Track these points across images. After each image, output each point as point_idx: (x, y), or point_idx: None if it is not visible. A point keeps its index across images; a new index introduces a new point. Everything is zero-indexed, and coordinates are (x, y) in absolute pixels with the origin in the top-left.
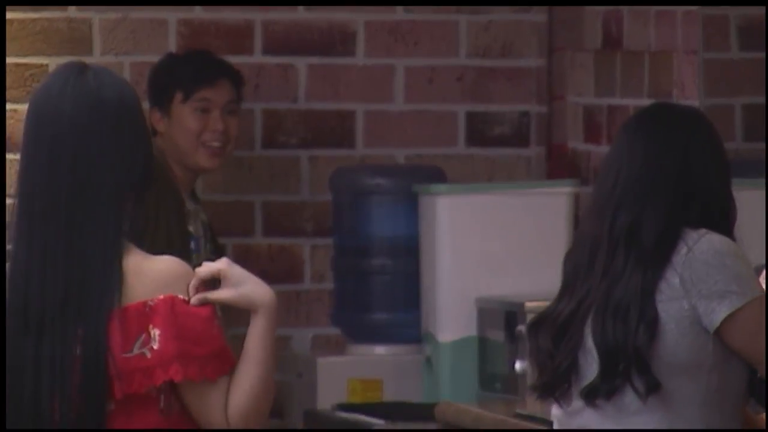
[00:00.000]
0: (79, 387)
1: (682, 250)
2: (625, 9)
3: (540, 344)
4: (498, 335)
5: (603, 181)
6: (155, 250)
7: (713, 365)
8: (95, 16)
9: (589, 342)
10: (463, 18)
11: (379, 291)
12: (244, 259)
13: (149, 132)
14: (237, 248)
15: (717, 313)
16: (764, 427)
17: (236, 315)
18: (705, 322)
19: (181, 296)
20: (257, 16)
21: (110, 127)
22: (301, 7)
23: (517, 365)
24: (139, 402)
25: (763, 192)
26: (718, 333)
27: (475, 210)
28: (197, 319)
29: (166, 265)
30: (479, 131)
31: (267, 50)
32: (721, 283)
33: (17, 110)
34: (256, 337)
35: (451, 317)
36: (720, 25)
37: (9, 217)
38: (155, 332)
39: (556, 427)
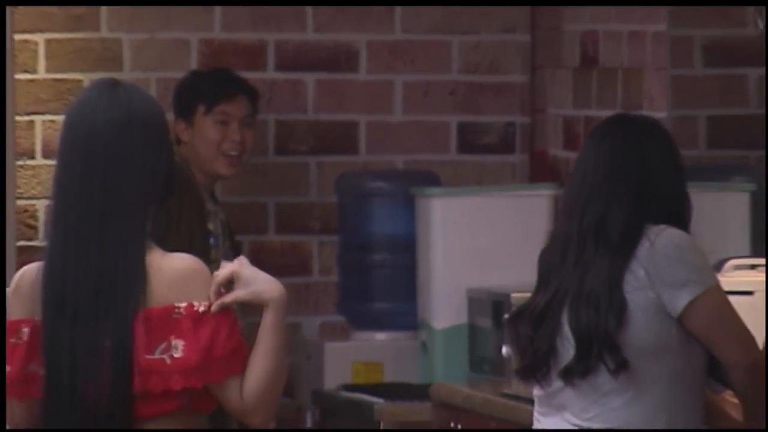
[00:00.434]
0: (109, 374)
1: (645, 244)
2: (600, 30)
3: (520, 333)
4: (486, 323)
5: (572, 183)
6: (178, 245)
7: (677, 348)
8: (125, 36)
9: (566, 328)
10: (455, 38)
11: (379, 283)
12: (258, 254)
13: (172, 143)
14: (252, 245)
15: (679, 301)
16: (723, 404)
17: (251, 306)
18: (669, 309)
19: (198, 304)
20: (270, 36)
21: (138, 137)
22: (309, 29)
23: (504, 350)
24: (157, 396)
25: (746, 194)
26: (681, 319)
27: (465, 210)
28: (219, 327)
29: (181, 262)
30: (469, 140)
31: (279, 67)
32: (681, 274)
33: (55, 121)
34: (268, 329)
35: (444, 306)
36: (685, 45)
37: (45, 216)
38: (178, 342)
39: (536, 405)
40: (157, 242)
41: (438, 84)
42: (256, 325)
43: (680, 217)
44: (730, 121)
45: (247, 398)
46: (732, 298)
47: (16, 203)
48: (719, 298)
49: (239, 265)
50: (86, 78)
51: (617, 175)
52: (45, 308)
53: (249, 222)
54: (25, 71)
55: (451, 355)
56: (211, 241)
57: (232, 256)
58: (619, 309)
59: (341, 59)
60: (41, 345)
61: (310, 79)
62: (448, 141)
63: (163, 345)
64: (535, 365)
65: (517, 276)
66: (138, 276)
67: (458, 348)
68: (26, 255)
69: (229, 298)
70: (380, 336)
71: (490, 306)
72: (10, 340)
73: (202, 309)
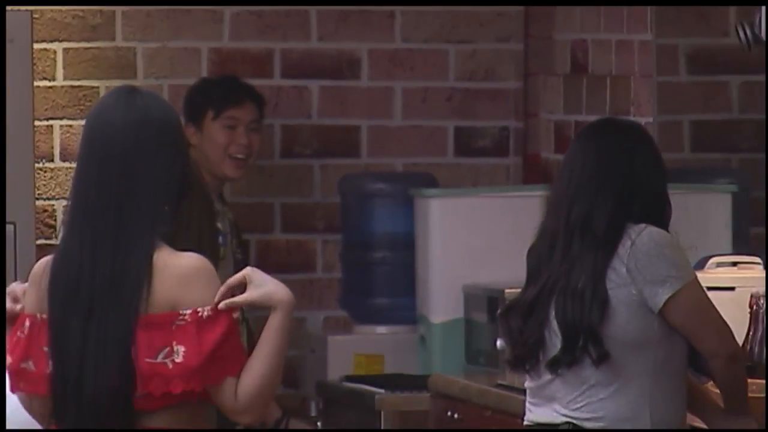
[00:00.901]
0: (113, 371)
1: (627, 243)
2: (589, 39)
3: (511, 325)
4: (482, 317)
5: (559, 182)
6: (188, 244)
7: (659, 341)
8: (139, 45)
9: (554, 322)
10: (452, 47)
11: (380, 279)
12: (265, 252)
13: (187, 147)
14: (259, 243)
15: (660, 296)
16: (708, 392)
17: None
18: (650, 304)
19: (202, 309)
20: (276, 45)
21: (154, 140)
22: (314, 38)
23: (498, 343)
24: (157, 398)
25: (728, 195)
26: (662, 313)
27: (461, 210)
28: (221, 331)
29: (188, 260)
30: (465, 143)
31: (285, 74)
32: (661, 271)
33: (72, 125)
34: (274, 331)
35: (441, 302)
36: (671, 54)
37: (62, 216)
38: (179, 348)
39: (528, 396)
40: (168, 241)
41: (436, 90)
42: (262, 319)
43: (661, 216)
44: (713, 126)
45: (242, 397)
46: (714, 294)
47: (35, 204)
48: (698, 292)
49: (251, 270)
50: (102, 85)
51: (603, 174)
52: (56, 303)
53: (256, 221)
54: (44, 78)
55: (448, 348)
56: (220, 239)
57: (239, 254)
58: (602, 302)
59: (344, 67)
60: (50, 339)
61: (314, 85)
62: (446, 144)
63: (166, 350)
64: (525, 356)
65: (511, 272)
66: (143, 277)
67: (455, 341)
68: (45, 253)
69: (241, 298)
70: (381, 330)
71: (485, 301)
72: (17, 333)
73: (206, 314)
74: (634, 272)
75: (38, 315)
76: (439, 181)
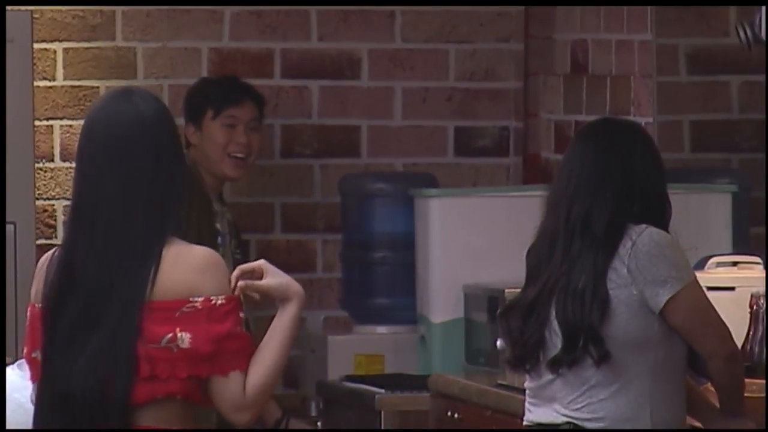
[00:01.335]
0: (110, 361)
1: (627, 243)
2: (590, 40)
3: (511, 325)
4: (482, 317)
5: (558, 182)
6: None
7: (659, 341)
8: (139, 45)
9: (555, 323)
10: (452, 47)
11: (380, 279)
12: (265, 252)
13: (182, 143)
14: (259, 243)
15: (660, 297)
16: (705, 394)
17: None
18: (651, 305)
19: (215, 298)
20: (276, 45)
21: (151, 139)
22: (314, 38)
23: (498, 343)
24: (163, 380)
25: (728, 195)
26: (662, 313)
27: (462, 210)
28: (232, 322)
29: (200, 252)
30: (465, 143)
31: (285, 74)
32: (662, 271)
33: (72, 125)
34: (287, 321)
35: (441, 302)
36: (671, 54)
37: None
38: (184, 335)
39: (528, 396)
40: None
41: (436, 90)
42: (264, 320)
43: (660, 216)
44: (713, 126)
45: (251, 388)
46: (714, 294)
47: (35, 204)
48: (697, 293)
49: (264, 262)
50: (102, 85)
51: (602, 174)
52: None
53: (256, 221)
54: (44, 78)
55: (448, 347)
56: (219, 240)
57: (238, 254)
58: (603, 303)
59: (344, 67)
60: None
61: (314, 85)
62: (446, 144)
63: (169, 336)
64: (525, 356)
65: (511, 272)
66: (149, 266)
67: (455, 341)
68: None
69: (261, 283)
70: (381, 330)
71: (486, 301)
72: (27, 324)
73: (219, 302)
74: (635, 272)
75: (37, 305)
76: (439, 181)
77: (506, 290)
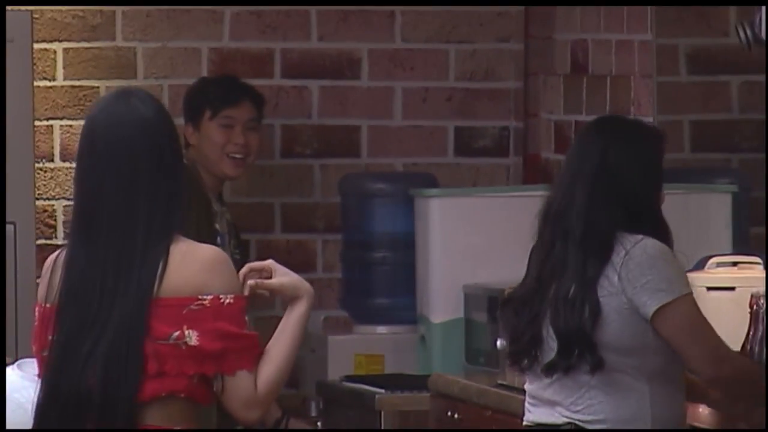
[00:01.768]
0: (115, 357)
1: (621, 252)
2: (590, 39)
3: (507, 319)
4: (482, 317)
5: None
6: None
7: (656, 347)
8: (139, 45)
9: (551, 326)
10: (452, 47)
11: (380, 279)
12: (265, 252)
13: (181, 143)
14: (259, 243)
15: (648, 307)
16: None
17: (257, 301)
18: (641, 313)
19: (224, 296)
20: (276, 45)
21: (151, 139)
22: (314, 38)
23: (498, 343)
24: (171, 376)
25: (729, 195)
26: (652, 323)
27: (462, 210)
28: (240, 321)
29: (211, 250)
30: (465, 143)
31: (285, 74)
32: (652, 283)
33: (72, 125)
34: (296, 319)
35: (441, 302)
36: (671, 54)
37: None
38: (191, 333)
39: (527, 397)
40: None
41: (436, 90)
42: (263, 320)
43: (656, 225)
44: (713, 126)
45: (263, 384)
46: (714, 294)
47: (35, 204)
48: (688, 309)
49: (273, 261)
50: (102, 85)
51: (577, 171)
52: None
53: (256, 221)
54: (44, 78)
55: (448, 347)
56: (218, 240)
57: (238, 254)
58: (594, 310)
59: (344, 67)
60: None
61: (314, 85)
62: (446, 144)
63: (176, 333)
64: (521, 352)
65: (511, 272)
66: (156, 263)
67: (455, 341)
68: (46, 253)
69: (273, 281)
70: (381, 329)
71: (486, 301)
72: (35, 324)
73: (228, 301)
74: (625, 281)
75: (45, 304)
76: (439, 181)
77: (506, 290)
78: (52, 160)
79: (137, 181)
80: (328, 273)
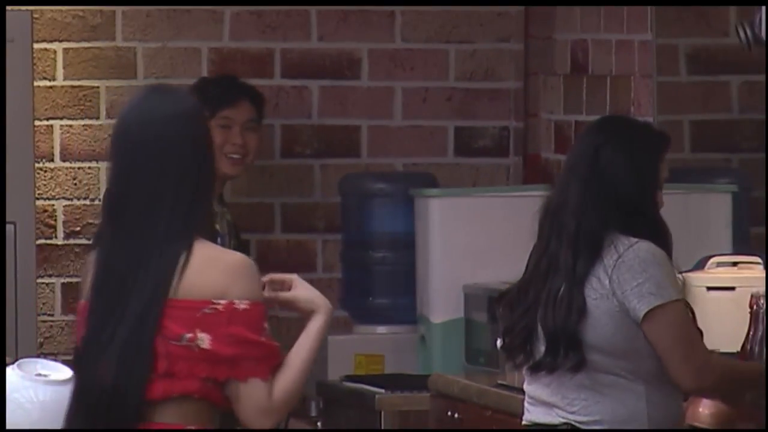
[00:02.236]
0: (126, 356)
1: (614, 255)
2: (590, 39)
3: (502, 313)
4: (482, 317)
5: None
6: None
7: (650, 350)
8: (139, 45)
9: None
10: (452, 47)
11: (380, 279)
12: (265, 252)
13: (212, 140)
14: (259, 243)
15: (637, 311)
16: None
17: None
18: (632, 317)
19: (239, 302)
20: (276, 45)
21: (182, 135)
22: (314, 38)
23: (498, 343)
24: (181, 378)
25: (728, 195)
26: (642, 327)
27: (462, 210)
28: (251, 326)
29: (238, 256)
30: (465, 143)
31: (285, 74)
32: (642, 287)
33: (72, 126)
34: (313, 332)
35: (441, 301)
36: (671, 54)
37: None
38: (203, 336)
39: (527, 396)
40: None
41: (436, 90)
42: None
43: (651, 228)
44: (713, 126)
45: (279, 394)
46: (714, 294)
47: (35, 204)
48: (677, 315)
49: (296, 276)
50: (102, 85)
51: (571, 170)
52: (92, 290)
53: (256, 221)
54: (45, 78)
55: (448, 347)
56: (218, 241)
57: None
58: (580, 309)
59: (344, 67)
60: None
61: (314, 85)
62: (446, 144)
63: (189, 336)
64: (514, 347)
65: (511, 272)
66: (173, 264)
67: (455, 341)
68: (45, 253)
69: (287, 294)
70: (381, 330)
71: (486, 301)
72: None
73: (242, 307)
74: (615, 284)
75: (83, 300)
76: (439, 181)
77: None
78: (52, 160)
79: (163, 178)
80: (328, 273)
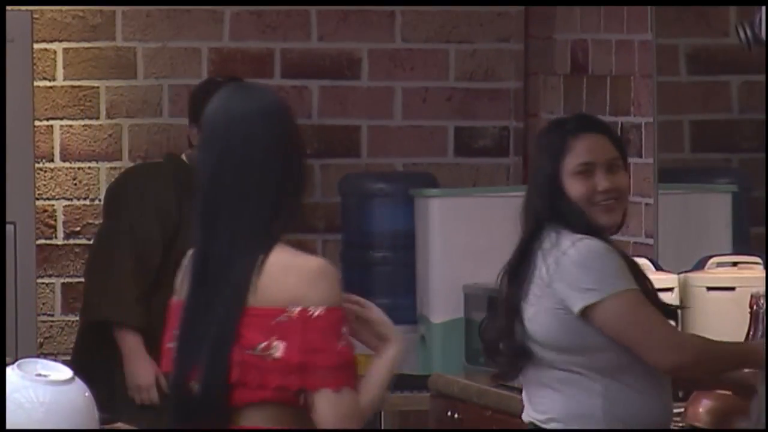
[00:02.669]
0: (209, 361)
1: (556, 252)
2: (590, 39)
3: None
4: (482, 317)
5: None
6: (188, 246)
7: (601, 345)
8: (139, 45)
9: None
10: (452, 47)
11: (380, 279)
12: None
13: (302, 139)
14: None
15: (575, 307)
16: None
17: None
18: (574, 313)
19: (313, 309)
20: (276, 45)
21: (271, 133)
22: (314, 38)
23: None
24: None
25: (728, 195)
26: (590, 323)
27: (462, 210)
28: (326, 333)
29: (316, 261)
30: (465, 143)
31: (285, 74)
32: (581, 282)
33: (72, 126)
34: (386, 361)
35: (441, 301)
36: (671, 53)
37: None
38: (279, 344)
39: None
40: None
41: (436, 90)
42: None
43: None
44: (713, 126)
45: (353, 409)
46: (714, 294)
47: (35, 204)
48: (623, 305)
49: (372, 305)
50: (102, 85)
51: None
52: (187, 290)
53: None
54: (44, 78)
55: (448, 347)
56: None
57: None
58: (512, 310)
59: (344, 67)
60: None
61: (314, 85)
62: (446, 144)
63: (263, 345)
64: (491, 348)
65: None
66: (251, 269)
67: (455, 341)
68: (45, 253)
69: (368, 311)
70: None
71: (486, 301)
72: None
73: (317, 313)
74: (556, 281)
75: (176, 299)
76: (439, 181)
77: None
78: (52, 160)
79: (248, 178)
80: None
